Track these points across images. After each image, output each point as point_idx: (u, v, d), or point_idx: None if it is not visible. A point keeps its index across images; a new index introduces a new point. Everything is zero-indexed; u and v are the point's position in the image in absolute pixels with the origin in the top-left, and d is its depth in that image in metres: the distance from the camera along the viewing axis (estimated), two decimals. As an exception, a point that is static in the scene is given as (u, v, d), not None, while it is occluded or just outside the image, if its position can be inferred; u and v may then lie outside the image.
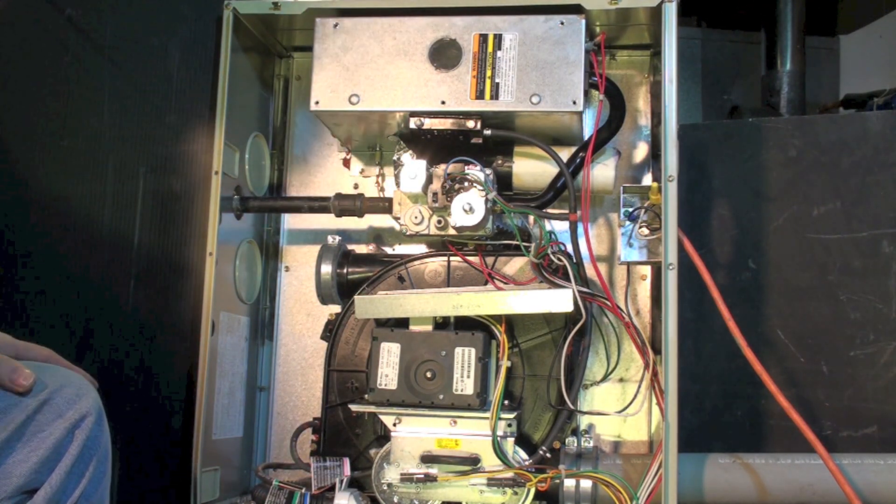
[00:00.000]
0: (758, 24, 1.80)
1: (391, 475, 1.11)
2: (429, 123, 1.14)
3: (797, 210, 1.31)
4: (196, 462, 1.15)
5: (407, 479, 1.10)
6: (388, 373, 1.11)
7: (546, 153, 1.15)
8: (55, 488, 0.81)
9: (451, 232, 1.14)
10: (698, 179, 1.34)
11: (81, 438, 0.83)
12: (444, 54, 1.15)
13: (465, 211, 1.10)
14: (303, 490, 1.12)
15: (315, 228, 1.38)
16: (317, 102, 1.16)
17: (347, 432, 1.18)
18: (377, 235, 1.36)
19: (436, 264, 1.20)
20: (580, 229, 1.15)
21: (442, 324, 1.14)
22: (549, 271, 1.12)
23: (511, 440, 1.10)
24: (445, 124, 1.14)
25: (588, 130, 1.21)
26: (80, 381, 0.86)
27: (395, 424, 1.12)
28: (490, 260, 1.18)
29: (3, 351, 0.84)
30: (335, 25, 1.17)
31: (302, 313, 1.38)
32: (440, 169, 1.13)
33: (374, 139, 1.30)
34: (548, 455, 1.10)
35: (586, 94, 1.14)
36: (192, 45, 1.28)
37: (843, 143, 1.31)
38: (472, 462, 1.09)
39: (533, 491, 1.08)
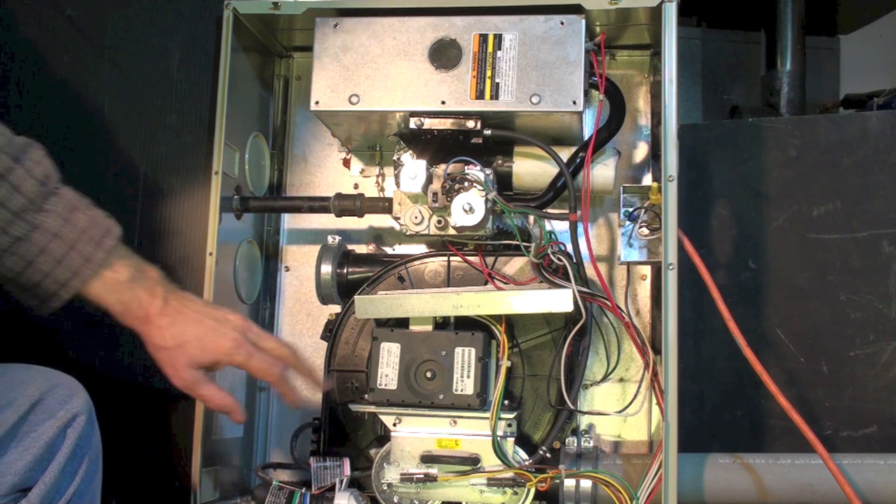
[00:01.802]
0: (758, 24, 1.80)
1: (391, 475, 1.11)
2: (429, 123, 1.14)
3: (797, 210, 1.31)
4: (196, 462, 1.15)
5: (407, 479, 1.10)
6: (388, 373, 1.11)
7: (546, 153, 1.15)
8: (49, 486, 0.81)
9: (451, 232, 1.14)
10: (698, 179, 1.34)
11: (73, 438, 0.84)
12: (444, 54, 1.15)
13: (465, 211, 1.10)
14: (303, 490, 1.12)
15: (315, 228, 1.38)
16: (317, 102, 1.16)
17: (347, 432, 1.18)
18: (377, 235, 1.36)
19: (436, 264, 1.20)
20: (580, 229, 1.15)
21: (442, 324, 1.14)
22: (549, 271, 1.12)
23: (511, 440, 1.10)
24: (445, 124, 1.14)
25: (588, 130, 1.21)
26: (71, 382, 0.86)
27: (395, 424, 1.12)
28: (490, 260, 1.18)
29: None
30: (335, 25, 1.17)
31: (302, 313, 1.38)
32: (440, 169, 1.13)
33: (374, 139, 1.30)
34: (548, 455, 1.10)
35: (586, 94, 1.14)
36: (192, 45, 1.28)
37: (843, 143, 1.31)
38: (472, 462, 1.09)
39: (533, 491, 1.08)
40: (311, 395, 1.32)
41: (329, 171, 1.39)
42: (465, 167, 1.13)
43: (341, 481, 1.12)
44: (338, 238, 1.25)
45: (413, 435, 1.11)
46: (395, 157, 1.19)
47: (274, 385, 1.01)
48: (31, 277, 0.82)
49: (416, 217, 1.15)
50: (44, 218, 0.82)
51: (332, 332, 1.20)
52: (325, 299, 1.23)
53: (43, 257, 0.82)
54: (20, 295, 0.85)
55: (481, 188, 1.11)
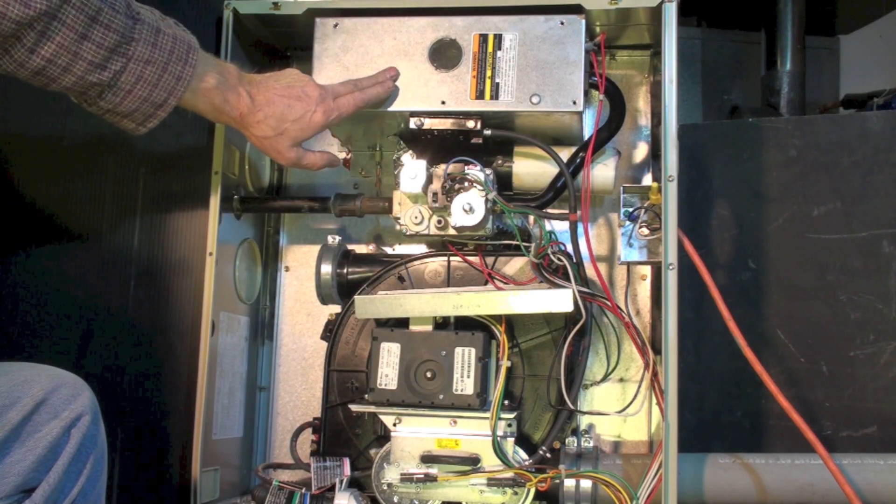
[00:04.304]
0: (758, 24, 1.80)
1: (391, 475, 1.11)
2: (429, 123, 1.14)
3: (797, 210, 1.31)
4: (196, 462, 1.15)
5: (407, 479, 1.10)
6: (388, 373, 1.11)
7: (546, 153, 1.15)
8: (53, 486, 0.81)
9: (451, 232, 1.14)
10: (698, 179, 1.34)
11: (78, 437, 0.84)
12: (444, 54, 1.15)
13: (465, 211, 1.10)
14: (303, 490, 1.12)
15: (315, 228, 1.38)
16: (317, 102, 1.16)
17: (347, 432, 1.18)
18: (377, 235, 1.36)
19: (436, 264, 1.20)
20: (580, 229, 1.15)
21: (442, 324, 1.14)
22: (549, 271, 1.12)
23: (511, 440, 1.10)
24: (445, 124, 1.14)
25: (588, 130, 1.21)
26: (76, 381, 0.86)
27: (395, 424, 1.12)
28: (490, 260, 1.18)
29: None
30: (335, 25, 1.17)
31: (302, 313, 1.38)
32: (440, 169, 1.13)
33: (374, 139, 1.30)
34: (548, 455, 1.10)
35: (586, 94, 1.14)
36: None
37: (843, 143, 1.31)
38: (472, 462, 1.09)
39: (533, 491, 1.08)
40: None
41: (329, 171, 1.38)
42: (465, 167, 1.13)
43: (341, 481, 1.12)
44: (338, 238, 1.25)
45: (413, 435, 1.11)
46: (395, 157, 1.20)
47: (371, 99, 1.12)
48: (130, 105, 0.89)
49: (416, 217, 1.15)
50: (135, 48, 0.87)
51: (332, 332, 1.20)
52: (325, 299, 1.23)
53: (140, 85, 0.88)
54: (118, 121, 0.91)
55: (481, 188, 1.11)
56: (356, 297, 1.15)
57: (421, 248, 1.27)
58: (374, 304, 1.13)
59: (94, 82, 0.86)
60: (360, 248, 1.33)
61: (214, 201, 1.19)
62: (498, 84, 1.13)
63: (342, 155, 1.36)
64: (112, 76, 0.86)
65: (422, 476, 1.09)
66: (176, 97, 0.92)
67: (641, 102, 1.33)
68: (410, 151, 1.18)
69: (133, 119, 0.91)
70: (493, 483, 1.09)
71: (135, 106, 0.89)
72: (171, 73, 0.90)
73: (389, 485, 1.11)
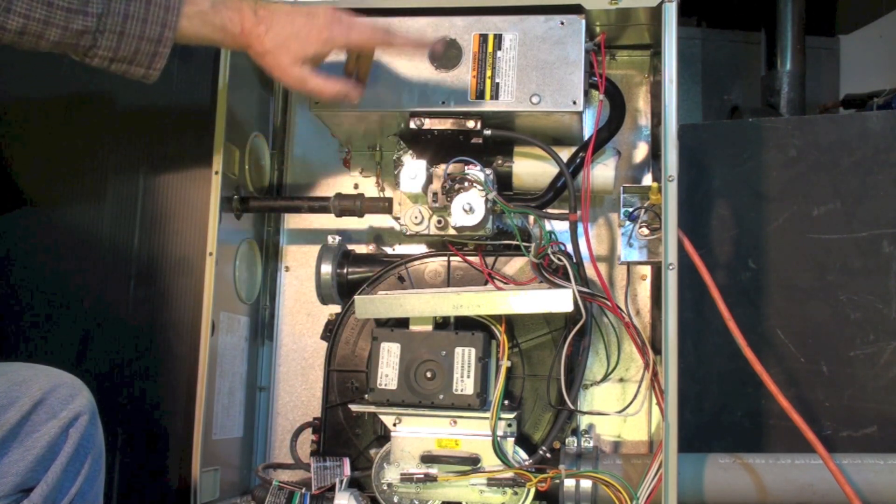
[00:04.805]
0: (758, 24, 1.80)
1: (391, 475, 1.11)
2: (429, 123, 1.14)
3: (797, 210, 1.31)
4: (196, 462, 1.15)
5: (407, 479, 1.10)
6: (388, 373, 1.11)
7: (546, 153, 1.15)
8: (51, 486, 0.82)
9: (451, 232, 1.14)
10: (698, 179, 1.34)
11: (76, 437, 0.84)
12: (444, 54, 1.15)
13: (465, 211, 1.10)
14: (303, 490, 1.12)
15: (315, 228, 1.38)
16: (316, 103, 1.16)
17: (347, 432, 1.18)
18: (377, 235, 1.36)
19: (436, 264, 1.20)
20: (580, 229, 1.15)
21: (442, 324, 1.14)
22: (549, 271, 1.12)
23: (511, 440, 1.10)
24: (445, 124, 1.14)
25: (588, 130, 1.21)
26: (74, 381, 0.87)
27: (395, 424, 1.12)
28: (490, 260, 1.18)
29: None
30: (335, 25, 1.17)
31: (302, 313, 1.38)
32: (440, 169, 1.13)
33: (374, 139, 1.30)
34: (548, 455, 1.10)
35: (586, 94, 1.14)
36: (192, 46, 1.28)
37: (843, 143, 1.31)
38: (472, 462, 1.09)
39: (533, 491, 1.08)
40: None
41: (329, 171, 1.39)
42: (465, 167, 1.13)
43: (341, 481, 1.12)
44: (338, 238, 1.25)
45: (413, 435, 1.11)
46: (395, 157, 1.20)
47: (386, 44, 1.07)
48: (129, 47, 0.88)
49: (416, 217, 1.15)
50: None
51: (332, 332, 1.21)
52: (325, 299, 1.23)
53: (129, 22, 0.87)
54: (126, 71, 0.90)
55: (481, 188, 1.11)
56: (356, 297, 1.15)
57: (421, 248, 1.27)
58: (374, 304, 1.13)
59: (80, 30, 0.85)
60: (360, 248, 1.32)
61: (214, 201, 1.19)
62: (498, 84, 1.13)
63: (342, 155, 1.36)
64: (97, 20, 0.85)
65: (422, 476, 1.09)
66: (171, 28, 0.90)
67: (641, 102, 1.33)
68: (410, 151, 1.18)
69: (139, 63, 0.90)
70: (493, 483, 1.09)
71: (133, 46, 0.88)
72: (156, 3, 0.89)
73: (389, 485, 1.11)
